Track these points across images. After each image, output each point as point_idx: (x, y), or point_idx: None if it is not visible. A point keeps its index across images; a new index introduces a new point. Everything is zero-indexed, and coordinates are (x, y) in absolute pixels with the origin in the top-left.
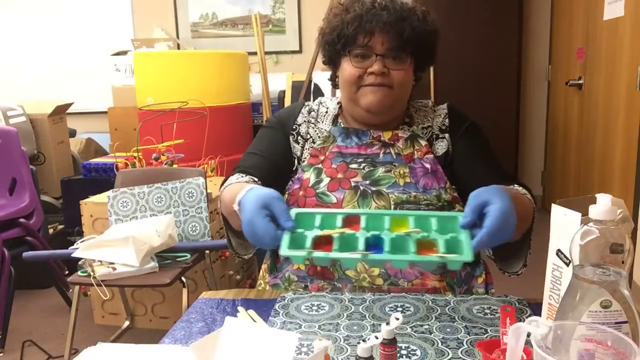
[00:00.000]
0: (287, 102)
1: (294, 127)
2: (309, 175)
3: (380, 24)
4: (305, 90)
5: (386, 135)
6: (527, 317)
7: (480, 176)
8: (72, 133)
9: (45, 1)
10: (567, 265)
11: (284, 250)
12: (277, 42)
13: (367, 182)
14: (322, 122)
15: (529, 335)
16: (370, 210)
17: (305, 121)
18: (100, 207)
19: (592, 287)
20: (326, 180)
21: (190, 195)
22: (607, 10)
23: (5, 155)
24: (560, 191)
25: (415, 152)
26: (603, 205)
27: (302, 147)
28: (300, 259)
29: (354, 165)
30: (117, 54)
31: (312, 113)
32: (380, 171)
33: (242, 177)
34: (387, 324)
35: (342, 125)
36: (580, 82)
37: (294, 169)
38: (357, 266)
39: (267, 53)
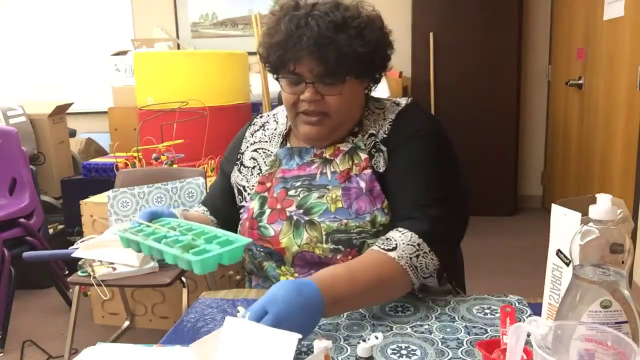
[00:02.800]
0: None
1: (238, 157)
2: (254, 205)
3: (304, 52)
4: None
5: (328, 152)
6: (527, 317)
7: (397, 197)
8: (72, 133)
9: (45, 1)
10: (567, 265)
11: (119, 232)
12: None
13: (301, 211)
14: (270, 141)
15: (529, 335)
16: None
17: (249, 146)
18: (100, 207)
19: (592, 287)
20: (267, 211)
21: (190, 195)
22: (607, 10)
23: (5, 155)
24: (560, 191)
25: (354, 167)
26: (603, 205)
27: (247, 176)
28: (123, 240)
29: (292, 192)
30: (117, 54)
31: (258, 133)
32: (313, 197)
33: (200, 207)
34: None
35: (289, 146)
36: (580, 82)
37: (244, 200)
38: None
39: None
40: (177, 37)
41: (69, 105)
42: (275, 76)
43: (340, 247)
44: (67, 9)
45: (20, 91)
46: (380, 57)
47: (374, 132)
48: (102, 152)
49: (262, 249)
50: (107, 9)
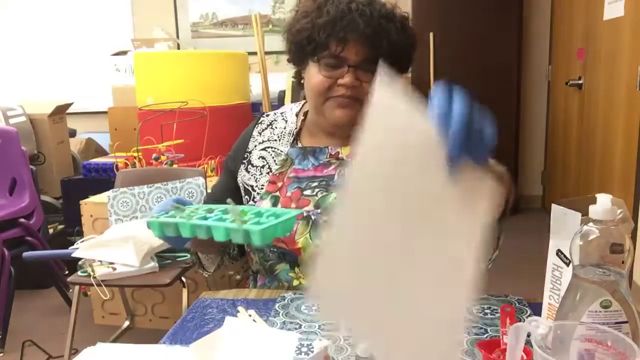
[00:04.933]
0: (287, 102)
1: (245, 156)
2: (266, 204)
3: (356, 34)
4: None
5: (344, 152)
6: (527, 317)
7: None
8: (72, 133)
9: (45, 1)
10: (567, 265)
11: (148, 219)
12: (277, 42)
13: (319, 211)
14: (280, 140)
15: (529, 335)
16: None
17: (257, 145)
18: (100, 207)
19: (592, 287)
20: None
21: (190, 195)
22: (607, 10)
23: (5, 155)
24: (560, 191)
25: None
26: (603, 205)
27: (255, 175)
28: (155, 225)
29: (307, 192)
30: (117, 54)
31: (266, 132)
32: (332, 197)
33: None
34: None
35: (300, 145)
36: (580, 82)
37: (252, 199)
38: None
39: (267, 53)
40: (177, 37)
41: (69, 105)
42: (314, 59)
43: None
44: (67, 9)
45: (20, 91)
46: (410, 57)
47: None
48: (102, 152)
49: (275, 250)
50: (107, 9)
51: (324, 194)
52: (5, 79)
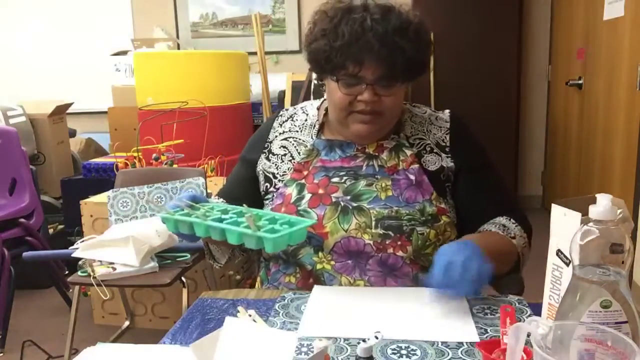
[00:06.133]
0: (287, 102)
1: (265, 146)
2: (292, 191)
3: (372, 55)
4: (305, 90)
5: (371, 147)
6: (527, 317)
7: (480, 210)
8: (72, 133)
9: (46, 1)
10: (567, 265)
11: (162, 214)
12: (277, 42)
13: (348, 197)
14: (301, 131)
15: (529, 335)
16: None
17: (278, 135)
18: (100, 207)
19: (592, 287)
20: (308, 196)
21: None
22: (607, 10)
23: (5, 155)
24: (560, 191)
25: (400, 162)
26: (603, 205)
27: (277, 163)
28: (171, 222)
29: (335, 179)
30: (117, 54)
31: (287, 124)
32: (361, 184)
33: (217, 198)
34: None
35: (325, 137)
36: (580, 82)
37: (273, 186)
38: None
39: (267, 53)
40: (177, 37)
41: (69, 105)
42: (333, 78)
43: (390, 232)
44: (67, 9)
45: (20, 91)
46: (428, 62)
47: (423, 135)
48: (102, 152)
49: None
50: (107, 9)
51: (352, 181)
52: (5, 79)
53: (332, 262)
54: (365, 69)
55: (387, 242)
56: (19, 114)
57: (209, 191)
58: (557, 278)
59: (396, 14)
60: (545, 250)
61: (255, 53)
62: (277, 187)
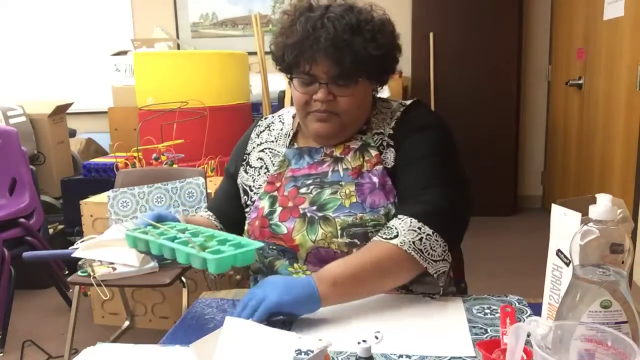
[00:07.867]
0: (287, 102)
1: (244, 158)
2: (264, 204)
3: (321, 53)
4: None
5: (338, 150)
6: (527, 317)
7: (400, 187)
8: (72, 133)
9: (45, 1)
10: (567, 265)
11: (126, 231)
12: None
13: (314, 207)
14: (277, 141)
15: (529, 335)
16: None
17: (256, 146)
18: (100, 207)
19: (592, 287)
20: (279, 210)
21: (190, 195)
22: (607, 10)
23: (5, 155)
24: (560, 191)
25: (365, 163)
26: (603, 205)
27: (254, 175)
28: (130, 238)
29: (303, 190)
30: (117, 54)
31: (264, 134)
32: (326, 193)
33: (206, 212)
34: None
35: (297, 146)
36: (580, 82)
37: (250, 200)
38: None
39: (267, 53)
40: (177, 37)
41: (69, 105)
42: (288, 76)
43: (356, 240)
44: (67, 9)
45: (20, 91)
46: (391, 60)
47: (381, 130)
48: (102, 152)
49: (274, 247)
50: (107, 9)
51: (318, 190)
52: (5, 79)
53: (308, 272)
54: (316, 67)
55: (354, 250)
56: (19, 114)
57: (208, 191)
58: (557, 278)
59: (356, 12)
60: (545, 250)
61: (255, 53)
62: (253, 200)
